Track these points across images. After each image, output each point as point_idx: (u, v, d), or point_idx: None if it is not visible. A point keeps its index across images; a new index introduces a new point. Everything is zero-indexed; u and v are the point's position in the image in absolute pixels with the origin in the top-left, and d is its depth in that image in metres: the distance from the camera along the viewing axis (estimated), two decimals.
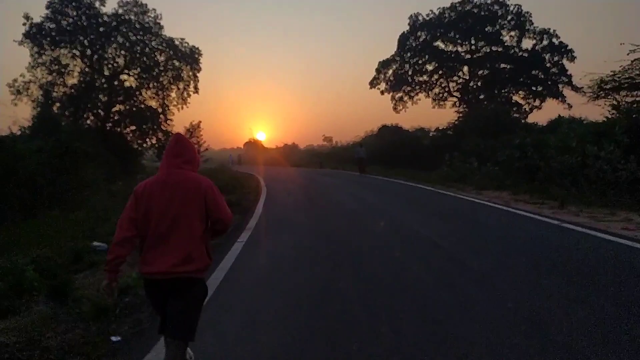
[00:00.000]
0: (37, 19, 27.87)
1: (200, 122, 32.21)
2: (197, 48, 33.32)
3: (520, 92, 37.43)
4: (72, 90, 28.81)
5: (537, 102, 36.64)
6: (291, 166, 41.60)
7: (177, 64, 33.40)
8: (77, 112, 28.65)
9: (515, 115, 32.67)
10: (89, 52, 29.89)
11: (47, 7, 27.75)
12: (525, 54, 35.78)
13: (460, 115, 37.61)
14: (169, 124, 32.69)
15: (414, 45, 37.23)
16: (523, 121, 31.28)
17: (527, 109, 36.54)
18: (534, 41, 35.56)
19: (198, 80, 34.05)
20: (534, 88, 36.56)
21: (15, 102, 28.53)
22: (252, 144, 66.55)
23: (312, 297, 4.60)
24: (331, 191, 16.82)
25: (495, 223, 8.92)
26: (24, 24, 27.77)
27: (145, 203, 2.63)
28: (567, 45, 34.65)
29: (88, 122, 29.59)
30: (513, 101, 36.85)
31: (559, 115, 25.57)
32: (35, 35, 27.79)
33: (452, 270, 5.42)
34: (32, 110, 27.60)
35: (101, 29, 29.49)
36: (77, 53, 29.46)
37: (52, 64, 28.70)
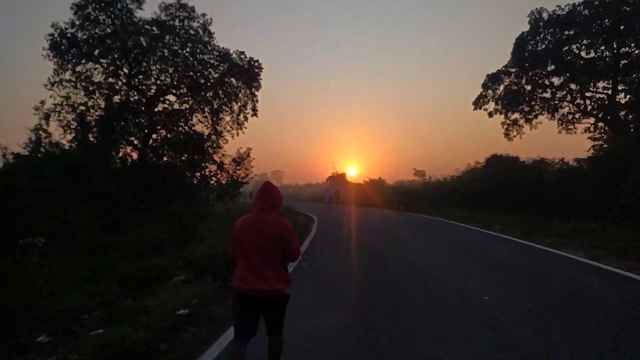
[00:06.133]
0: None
1: (250, 149, 26.42)
2: (257, 61, 26.85)
3: None
4: (103, 114, 23.30)
5: None
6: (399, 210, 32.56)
7: (234, 82, 27.27)
8: (108, 141, 22.99)
9: None
10: (126, 67, 24.49)
11: (73, 11, 22.56)
12: None
13: (598, 140, 28.08)
14: (219, 152, 26.52)
15: (535, 50, 28.27)
16: None
17: None
18: None
19: (257, 101, 27.67)
20: None
21: (44, 129, 23.37)
22: (336, 179, 61.12)
23: None
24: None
25: None
26: (51, 35, 22.86)
27: (242, 235, 3.53)
28: None
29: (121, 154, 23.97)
30: None
31: None
32: (60, 45, 22.72)
33: None
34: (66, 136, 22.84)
35: (141, 39, 24.07)
36: (111, 68, 24.10)
37: (80, 80, 23.51)
